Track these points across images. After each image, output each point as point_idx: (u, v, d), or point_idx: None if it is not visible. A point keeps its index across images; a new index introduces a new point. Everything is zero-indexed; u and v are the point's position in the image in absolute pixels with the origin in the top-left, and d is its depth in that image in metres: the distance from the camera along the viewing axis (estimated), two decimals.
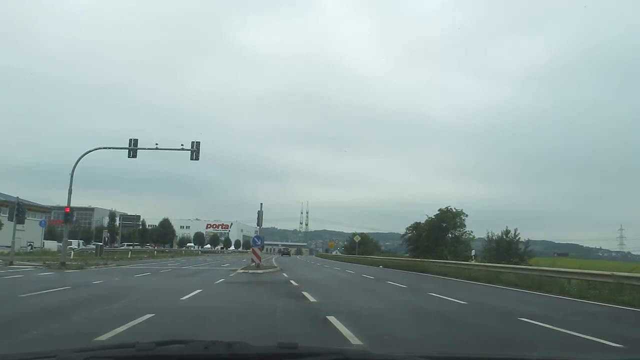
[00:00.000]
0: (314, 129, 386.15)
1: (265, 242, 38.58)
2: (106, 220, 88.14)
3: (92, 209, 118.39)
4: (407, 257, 52.47)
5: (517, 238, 45.31)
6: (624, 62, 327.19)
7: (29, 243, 55.02)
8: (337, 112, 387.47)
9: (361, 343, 6.16)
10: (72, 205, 29.58)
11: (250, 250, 36.79)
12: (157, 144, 30.01)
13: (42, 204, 66.93)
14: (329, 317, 8.34)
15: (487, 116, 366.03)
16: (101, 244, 52.73)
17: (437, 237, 50.65)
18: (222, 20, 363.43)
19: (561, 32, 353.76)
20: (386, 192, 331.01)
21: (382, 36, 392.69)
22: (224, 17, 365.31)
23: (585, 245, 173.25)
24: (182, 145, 29.60)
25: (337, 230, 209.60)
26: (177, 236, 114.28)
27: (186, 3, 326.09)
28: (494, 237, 46.13)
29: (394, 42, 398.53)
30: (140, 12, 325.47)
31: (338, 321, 7.88)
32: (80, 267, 26.25)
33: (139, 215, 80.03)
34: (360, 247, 71.80)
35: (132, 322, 7.47)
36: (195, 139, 29.86)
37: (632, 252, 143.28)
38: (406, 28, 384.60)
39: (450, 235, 52.51)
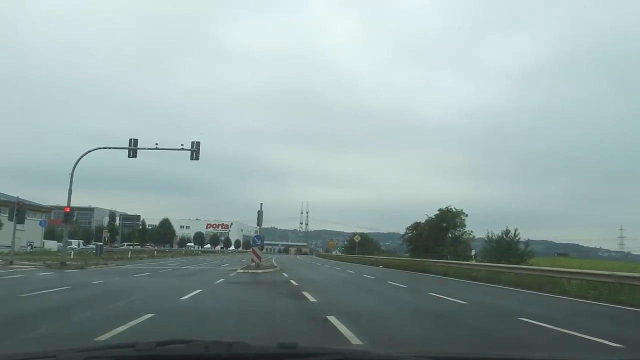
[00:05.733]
0: (315, 129, 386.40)
1: (265, 242, 38.58)
2: (106, 220, 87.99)
3: (92, 209, 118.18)
4: (407, 257, 52.49)
5: (517, 238, 45.39)
6: (621, 60, 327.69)
7: (29, 243, 55.00)
8: (336, 112, 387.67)
9: (361, 343, 6.16)
10: (72, 205, 29.60)
11: (250, 250, 36.79)
12: (157, 144, 30.07)
13: (42, 204, 66.96)
14: (329, 317, 8.34)
15: (486, 115, 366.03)
16: (101, 243, 52.74)
17: (437, 237, 50.74)
18: (220, 20, 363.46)
19: (557, 30, 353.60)
20: (386, 192, 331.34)
21: (375, 34, 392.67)
22: (219, 16, 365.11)
23: (585, 245, 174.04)
24: (182, 145, 29.66)
25: (337, 230, 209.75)
26: (177, 236, 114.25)
27: (180, 3, 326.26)
28: (494, 237, 46.18)
29: (388, 40, 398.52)
30: (139, 13, 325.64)
31: (338, 321, 7.88)
32: (80, 267, 26.27)
33: (139, 215, 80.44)
34: (360, 247, 71.84)
35: (132, 322, 7.47)
36: (195, 139, 29.93)
37: (632, 252, 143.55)
38: (399, 27, 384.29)
39: (450, 235, 52.60)
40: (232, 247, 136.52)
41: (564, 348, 6.63)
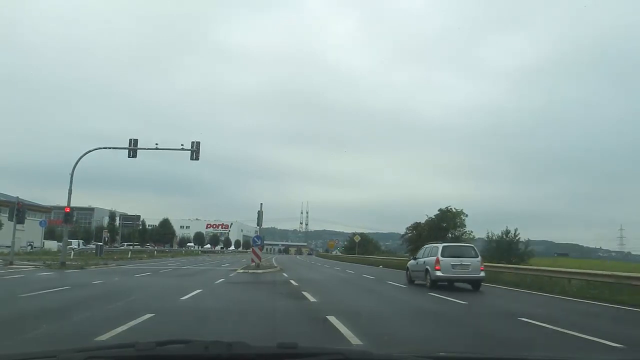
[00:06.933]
0: (315, 129, 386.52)
1: (265, 242, 38.57)
2: (106, 220, 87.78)
3: (92, 209, 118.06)
4: (407, 257, 52.44)
5: (517, 238, 45.37)
6: (621, 60, 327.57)
7: (29, 243, 54.98)
8: (336, 112, 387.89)
9: (361, 343, 6.16)
10: (72, 205, 29.61)
11: (250, 250, 36.78)
12: (157, 144, 30.07)
13: (42, 204, 66.94)
14: (329, 317, 8.35)
15: (486, 115, 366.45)
16: (101, 243, 52.67)
17: (437, 237, 50.57)
18: (220, 20, 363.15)
19: (557, 30, 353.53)
20: (386, 192, 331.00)
21: (375, 34, 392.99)
22: (219, 16, 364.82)
23: (585, 245, 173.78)
24: (182, 145, 29.67)
25: (337, 230, 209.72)
26: (177, 236, 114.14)
27: (180, 3, 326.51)
28: (494, 237, 46.15)
29: (388, 40, 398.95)
30: (139, 13, 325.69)
31: (338, 321, 7.88)
32: (80, 267, 26.27)
33: (139, 215, 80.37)
34: (360, 247, 71.73)
35: (132, 322, 7.47)
36: (195, 139, 29.93)
37: (632, 252, 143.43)
38: (399, 27, 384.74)
39: (450, 235, 52.46)
40: (232, 247, 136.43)
41: (564, 348, 6.63)
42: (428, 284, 17.02)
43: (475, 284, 16.77)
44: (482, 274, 16.78)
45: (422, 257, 18.55)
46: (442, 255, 16.91)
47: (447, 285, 16.59)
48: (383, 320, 9.22)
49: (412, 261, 20.13)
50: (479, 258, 17.31)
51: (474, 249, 18.49)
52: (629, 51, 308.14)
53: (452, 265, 16.55)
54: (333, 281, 21.86)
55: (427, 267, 17.23)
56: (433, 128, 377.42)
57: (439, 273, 16.55)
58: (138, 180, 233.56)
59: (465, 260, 16.82)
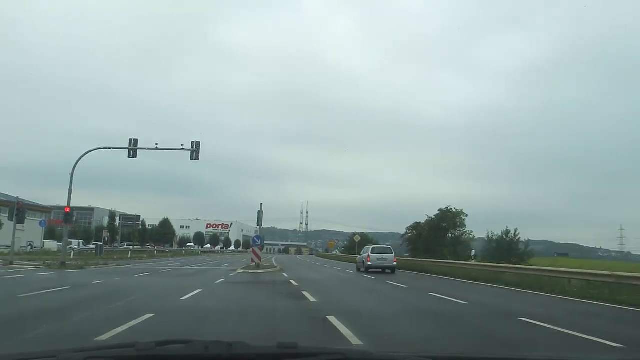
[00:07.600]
0: (315, 129, 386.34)
1: (265, 242, 38.58)
2: (106, 220, 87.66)
3: (92, 209, 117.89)
4: (407, 257, 52.50)
5: (517, 238, 45.48)
6: (622, 60, 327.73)
7: (29, 243, 54.99)
8: (336, 112, 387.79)
9: (361, 343, 6.16)
10: (72, 205, 29.60)
11: (250, 250, 36.78)
12: (157, 144, 30.06)
13: (42, 204, 66.97)
14: (329, 317, 8.34)
15: (486, 115, 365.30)
16: (101, 243, 52.63)
17: (437, 237, 50.73)
18: (220, 20, 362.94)
19: (557, 30, 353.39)
20: (386, 192, 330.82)
21: (375, 34, 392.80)
22: (219, 16, 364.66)
23: (585, 245, 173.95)
24: (182, 145, 29.67)
25: (337, 230, 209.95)
26: (177, 236, 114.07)
27: (180, 3, 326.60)
28: (494, 237, 46.23)
29: (388, 40, 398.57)
30: (139, 13, 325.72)
31: (338, 321, 7.88)
32: (80, 267, 26.27)
33: (139, 215, 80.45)
34: (360, 247, 71.57)
35: (132, 322, 7.47)
36: (195, 139, 29.93)
37: (632, 252, 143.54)
38: (399, 27, 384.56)
39: (450, 235, 52.57)
40: (232, 247, 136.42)
41: (564, 348, 6.63)
42: (363, 270, 27.62)
43: (391, 269, 27.13)
44: (395, 263, 27.77)
45: (362, 254, 30.04)
46: (372, 253, 28.25)
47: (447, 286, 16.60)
48: (383, 320, 9.21)
49: (358, 256, 31.85)
50: (393, 254, 28.61)
51: (390, 248, 30.56)
52: (629, 51, 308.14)
53: (377, 258, 27.67)
54: (333, 281, 21.86)
55: (363, 259, 28.52)
56: (433, 128, 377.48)
57: (369, 263, 27.41)
58: (138, 180, 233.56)
59: (385, 255, 28.00)
